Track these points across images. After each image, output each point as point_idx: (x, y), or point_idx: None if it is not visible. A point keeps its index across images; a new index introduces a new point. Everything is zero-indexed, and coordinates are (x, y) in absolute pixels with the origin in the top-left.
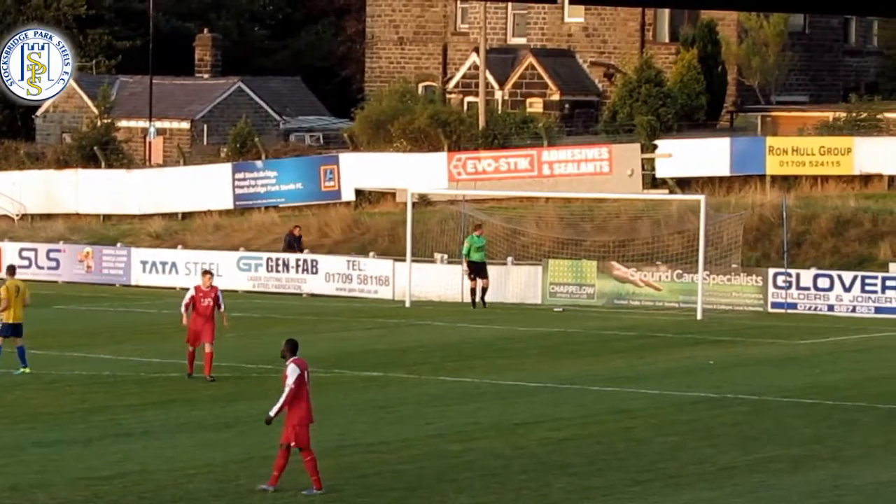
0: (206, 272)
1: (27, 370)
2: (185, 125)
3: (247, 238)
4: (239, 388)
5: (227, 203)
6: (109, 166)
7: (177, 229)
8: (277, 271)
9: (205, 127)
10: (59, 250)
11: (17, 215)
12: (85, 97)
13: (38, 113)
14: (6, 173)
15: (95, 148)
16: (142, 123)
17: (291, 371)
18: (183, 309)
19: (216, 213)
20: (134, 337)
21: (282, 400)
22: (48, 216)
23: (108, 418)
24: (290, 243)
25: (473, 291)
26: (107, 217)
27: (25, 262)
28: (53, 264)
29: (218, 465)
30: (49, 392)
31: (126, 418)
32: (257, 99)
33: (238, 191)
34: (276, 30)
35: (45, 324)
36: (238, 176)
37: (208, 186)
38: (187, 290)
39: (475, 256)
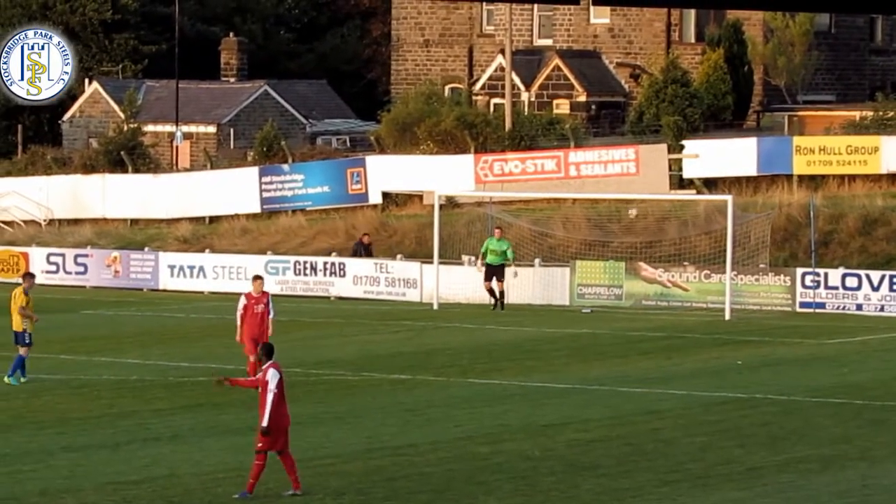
0: (256, 277)
1: (6, 380)
2: (212, 129)
3: (274, 241)
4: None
5: (255, 207)
6: (136, 171)
7: (204, 233)
8: (305, 275)
9: (231, 131)
10: (86, 255)
11: (45, 220)
12: (111, 102)
13: (65, 118)
14: (33, 178)
15: (122, 152)
16: (168, 128)
17: (272, 375)
18: (238, 321)
19: (243, 216)
20: (162, 341)
21: (269, 406)
22: (75, 221)
23: (136, 423)
24: (358, 251)
25: (490, 291)
26: (134, 221)
27: (53, 268)
28: (81, 269)
29: (246, 469)
30: (77, 397)
31: (154, 423)
32: (283, 102)
33: (265, 194)
34: (302, 33)
35: (72, 329)
36: (265, 179)
37: (235, 190)
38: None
39: (490, 259)
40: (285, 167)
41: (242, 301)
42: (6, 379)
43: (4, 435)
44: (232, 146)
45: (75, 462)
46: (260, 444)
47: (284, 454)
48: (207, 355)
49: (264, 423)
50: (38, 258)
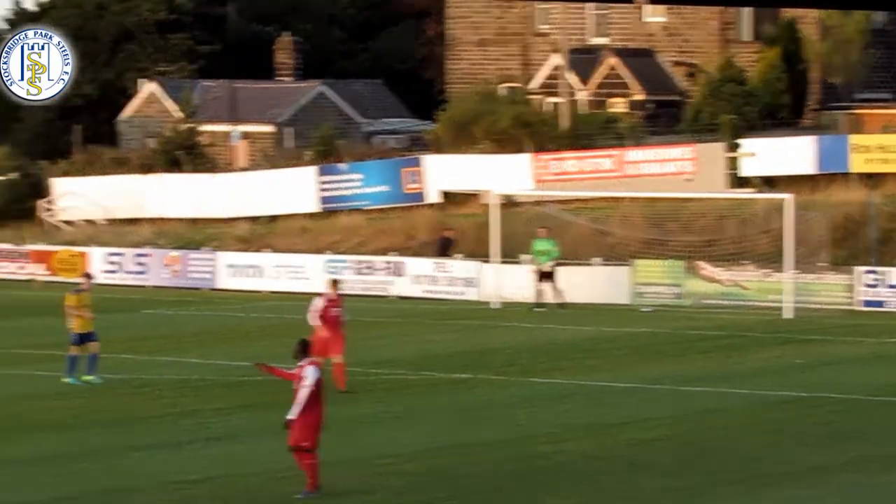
0: (335, 281)
1: (65, 380)
2: (269, 129)
3: (333, 241)
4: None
5: (313, 206)
6: (194, 170)
7: (263, 233)
8: (364, 274)
9: (290, 131)
10: (146, 255)
11: (103, 220)
12: (167, 102)
13: (122, 118)
14: (92, 178)
15: (179, 152)
16: (224, 127)
17: (312, 372)
18: (318, 321)
19: (302, 216)
20: (222, 341)
21: (301, 401)
22: (134, 221)
23: (197, 422)
24: (444, 246)
25: (538, 293)
26: (192, 221)
27: (113, 267)
28: (141, 269)
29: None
30: (139, 396)
31: (215, 422)
32: (340, 102)
33: (323, 193)
34: (356, 32)
35: (133, 328)
36: (323, 179)
37: (294, 189)
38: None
39: (539, 259)
40: (343, 166)
41: (320, 303)
42: (65, 379)
43: (67, 434)
44: (290, 146)
45: (137, 461)
46: (306, 444)
47: (313, 454)
48: (268, 355)
49: (290, 416)
50: (97, 258)
